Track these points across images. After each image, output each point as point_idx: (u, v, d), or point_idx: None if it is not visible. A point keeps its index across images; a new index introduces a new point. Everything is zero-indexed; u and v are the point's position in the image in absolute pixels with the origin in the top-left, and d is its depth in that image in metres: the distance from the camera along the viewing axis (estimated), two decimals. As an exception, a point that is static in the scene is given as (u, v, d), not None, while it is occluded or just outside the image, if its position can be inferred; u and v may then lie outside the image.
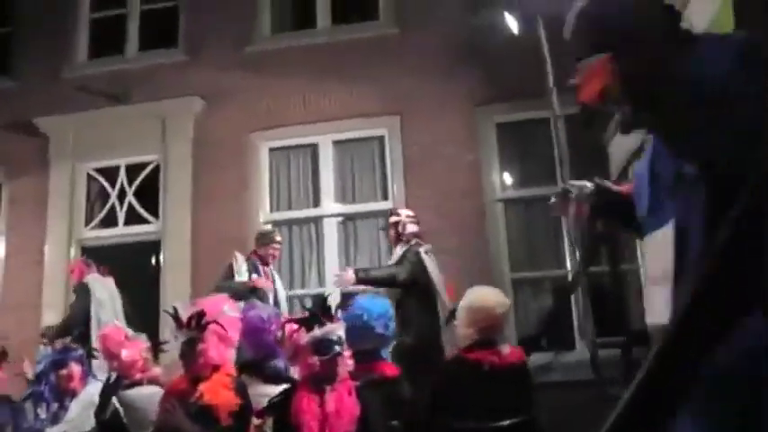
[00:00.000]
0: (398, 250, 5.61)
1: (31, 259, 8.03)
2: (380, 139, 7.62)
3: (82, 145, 8.33)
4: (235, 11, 8.08)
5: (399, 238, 5.63)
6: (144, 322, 6.17)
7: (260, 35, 8.08)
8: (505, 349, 3.86)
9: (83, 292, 6.65)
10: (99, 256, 7.74)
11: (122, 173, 8.30)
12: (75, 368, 5.17)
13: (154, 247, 7.92)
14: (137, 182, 8.24)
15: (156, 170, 8.10)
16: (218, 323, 3.56)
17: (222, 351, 3.65)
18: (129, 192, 8.23)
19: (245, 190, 7.66)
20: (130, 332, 5.02)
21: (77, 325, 6.45)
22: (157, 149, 8.00)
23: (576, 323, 6.92)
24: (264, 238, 6.43)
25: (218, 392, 3.50)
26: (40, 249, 8.21)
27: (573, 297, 6.70)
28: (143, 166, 8.22)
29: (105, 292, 6.71)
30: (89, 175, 8.45)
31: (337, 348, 3.36)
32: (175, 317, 3.73)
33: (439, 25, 7.56)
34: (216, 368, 3.59)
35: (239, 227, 7.46)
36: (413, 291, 5.33)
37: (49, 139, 8.51)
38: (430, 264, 5.46)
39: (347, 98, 7.55)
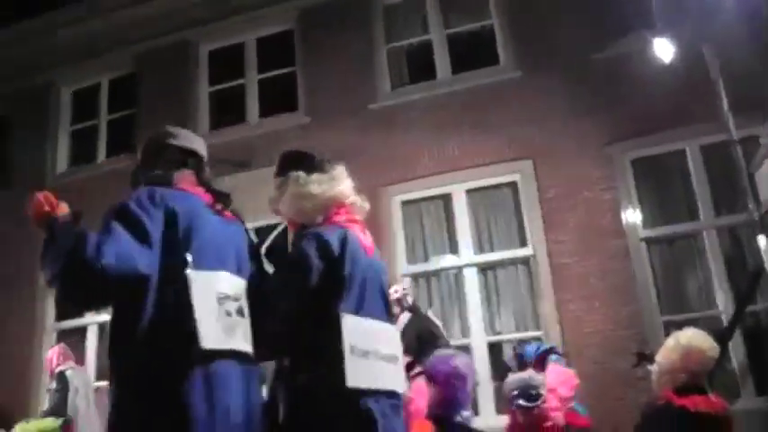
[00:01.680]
0: (403, 318, 6.06)
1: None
2: (513, 185, 7.53)
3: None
4: (353, 70, 8.30)
5: (403, 308, 6.12)
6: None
7: (381, 92, 8.25)
8: (713, 396, 3.63)
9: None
10: None
11: (253, 236, 8.38)
12: None
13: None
14: (266, 243, 8.28)
15: (285, 231, 8.13)
16: (425, 374, 3.44)
17: (424, 403, 3.51)
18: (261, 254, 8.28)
19: (380, 245, 7.58)
20: None
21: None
22: (280, 212, 8.07)
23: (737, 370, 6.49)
24: None
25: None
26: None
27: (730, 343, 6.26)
28: (273, 227, 8.28)
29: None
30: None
31: (539, 396, 3.16)
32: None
33: (562, 64, 7.49)
34: (414, 421, 3.45)
35: (377, 282, 7.41)
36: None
37: (178, 208, 8.68)
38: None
39: (475, 146, 7.57)
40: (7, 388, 8.80)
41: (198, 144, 2.82)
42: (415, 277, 7.68)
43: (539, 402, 3.24)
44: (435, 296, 7.66)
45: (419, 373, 3.45)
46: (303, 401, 2.43)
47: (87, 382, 7.22)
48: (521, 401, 3.26)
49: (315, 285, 2.46)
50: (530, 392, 3.27)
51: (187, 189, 2.53)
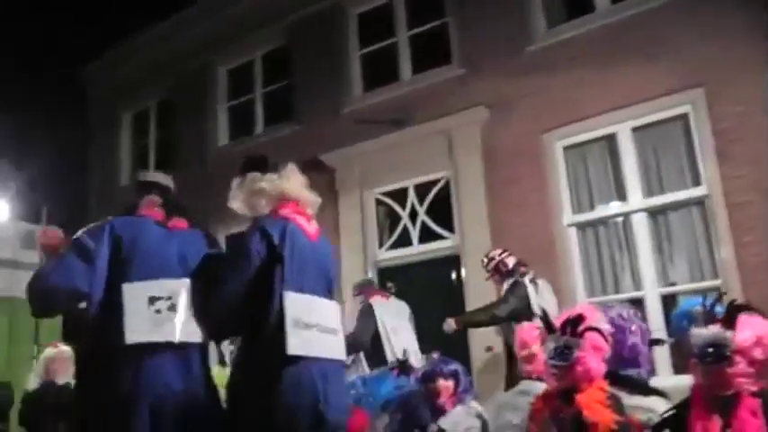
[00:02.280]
0: (505, 285, 5.99)
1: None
2: (683, 118, 7.04)
3: (367, 173, 8.66)
4: (506, 14, 8.09)
5: (503, 274, 6.05)
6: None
7: (537, 32, 7.99)
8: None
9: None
10: (396, 276, 8.02)
11: (411, 193, 8.45)
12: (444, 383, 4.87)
13: (452, 262, 7.91)
14: (427, 200, 8.33)
15: (446, 186, 8.14)
16: (596, 330, 3.24)
17: (598, 361, 3.30)
18: (421, 211, 8.35)
19: (543, 194, 7.47)
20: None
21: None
22: (446, 166, 8.12)
23: None
24: None
25: (595, 408, 3.12)
26: (338, 276, 8.53)
27: None
28: (432, 183, 8.33)
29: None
30: (377, 200, 8.69)
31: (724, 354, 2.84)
32: (546, 321, 3.47)
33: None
34: (590, 381, 3.24)
35: (542, 233, 7.31)
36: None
37: (336, 172, 8.89)
38: (532, 291, 5.79)
39: (640, 79, 7.13)
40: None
41: (158, 177, 3.55)
42: (582, 227, 7.43)
43: (725, 363, 2.91)
44: (603, 246, 7.36)
45: (588, 329, 3.26)
46: (250, 372, 2.89)
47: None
48: (705, 359, 2.95)
49: (257, 269, 2.90)
50: (715, 351, 2.95)
51: (143, 213, 3.26)
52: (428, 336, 6.78)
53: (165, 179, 3.51)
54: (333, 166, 9.03)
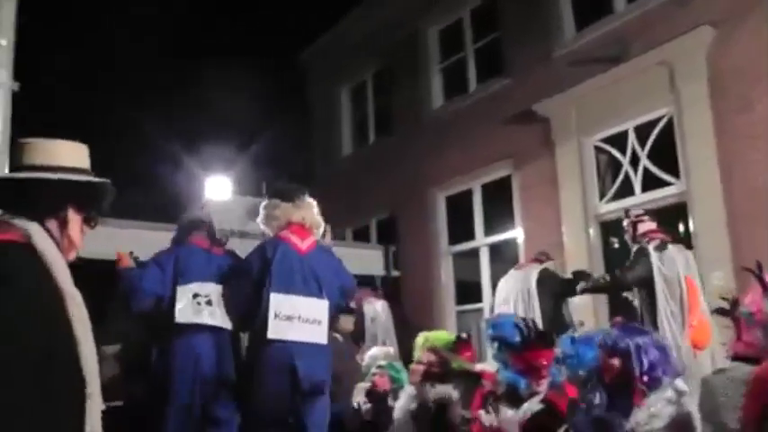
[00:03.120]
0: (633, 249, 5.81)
1: (549, 242, 7.83)
2: None
3: (585, 118, 8.07)
4: None
5: (633, 238, 5.85)
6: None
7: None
8: None
9: None
10: (619, 229, 7.40)
11: (631, 136, 7.69)
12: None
13: (679, 210, 7.08)
14: (649, 142, 7.50)
15: (669, 124, 7.25)
16: None
17: None
18: (643, 155, 7.54)
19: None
20: None
21: None
22: (667, 101, 7.27)
23: None
24: None
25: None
26: (558, 231, 8.04)
27: None
28: (653, 123, 7.49)
29: None
30: (596, 147, 8.03)
31: None
32: (759, 277, 2.88)
33: None
34: None
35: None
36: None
37: (550, 121, 8.38)
38: (657, 261, 5.45)
39: None
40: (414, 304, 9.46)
41: (202, 215, 5.47)
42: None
43: None
44: None
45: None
46: (247, 351, 4.56)
47: None
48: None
49: (254, 278, 4.34)
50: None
51: (192, 242, 4.83)
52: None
53: (207, 216, 5.34)
54: (547, 116, 8.54)
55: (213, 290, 4.56)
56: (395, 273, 10.61)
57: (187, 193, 9.61)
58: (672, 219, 7.23)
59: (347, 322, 6.65)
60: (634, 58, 7.56)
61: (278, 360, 4.13)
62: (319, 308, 4.29)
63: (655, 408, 3.38)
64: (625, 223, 5.97)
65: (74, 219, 2.05)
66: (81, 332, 1.88)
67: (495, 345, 4.61)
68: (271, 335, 4.13)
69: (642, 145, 7.66)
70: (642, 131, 7.69)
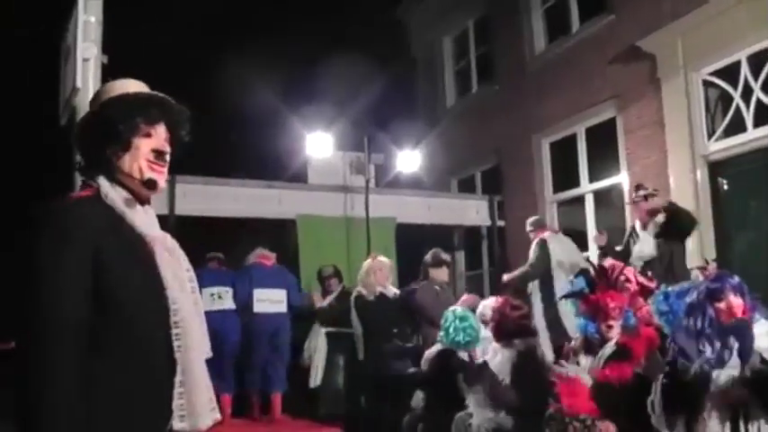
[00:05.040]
0: None
1: (656, 185, 7.49)
2: None
3: (692, 52, 7.65)
4: None
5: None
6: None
7: None
8: None
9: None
10: (729, 170, 7.05)
11: (744, 67, 7.20)
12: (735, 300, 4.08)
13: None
14: (763, 73, 6.99)
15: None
16: None
17: None
18: (756, 87, 7.02)
19: None
20: None
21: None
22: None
23: None
24: None
25: None
26: (664, 173, 7.69)
27: None
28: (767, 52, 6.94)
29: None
30: (705, 82, 7.56)
31: None
32: None
33: None
34: None
35: None
36: None
37: (656, 57, 7.97)
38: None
39: None
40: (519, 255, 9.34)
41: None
42: None
43: None
44: None
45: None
46: None
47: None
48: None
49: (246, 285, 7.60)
50: None
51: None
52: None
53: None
54: (652, 52, 8.12)
55: (223, 291, 7.57)
56: (500, 223, 10.51)
57: (289, 150, 9.88)
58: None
59: (441, 274, 6.68)
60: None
61: (259, 323, 7.46)
62: (281, 295, 7.59)
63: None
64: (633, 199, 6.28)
65: (143, 143, 1.99)
66: (170, 275, 1.94)
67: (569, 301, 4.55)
68: (255, 310, 7.43)
69: (756, 76, 7.12)
70: (756, 61, 7.15)
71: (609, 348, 4.04)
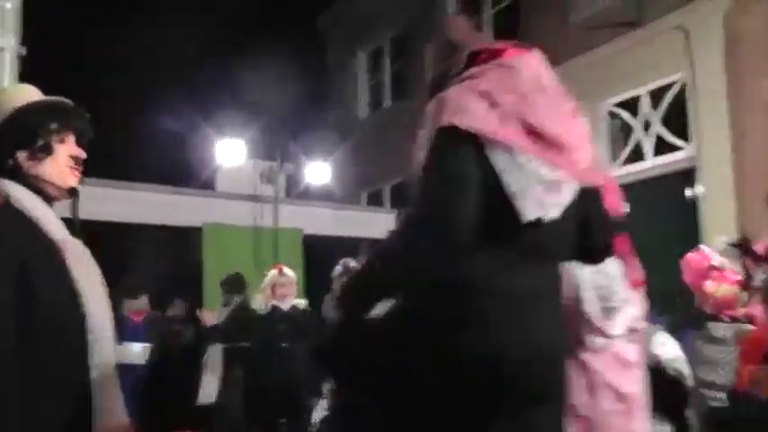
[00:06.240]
0: None
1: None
2: None
3: (597, 83, 7.90)
4: None
5: None
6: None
7: None
8: None
9: None
10: (627, 195, 7.36)
11: (645, 101, 7.55)
12: None
13: (687, 175, 6.96)
14: (662, 107, 7.39)
15: (683, 90, 7.13)
16: None
17: None
18: (655, 120, 7.43)
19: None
20: (718, 260, 4.07)
21: None
22: (682, 66, 7.12)
23: None
24: None
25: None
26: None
27: None
28: (667, 88, 7.36)
29: None
30: (610, 113, 7.91)
31: None
32: (746, 249, 2.87)
33: None
34: None
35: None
36: None
37: (564, 85, 8.23)
38: None
39: None
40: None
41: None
42: None
43: None
44: None
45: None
46: None
47: None
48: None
49: None
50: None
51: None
52: (657, 258, 6.07)
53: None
54: (560, 80, 8.35)
55: None
56: (408, 238, 10.58)
57: (200, 157, 9.67)
58: (679, 184, 7.18)
59: None
60: (650, 23, 7.43)
61: None
62: None
63: None
64: None
65: (61, 149, 1.96)
66: (85, 285, 1.87)
67: None
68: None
69: (655, 110, 7.54)
70: (655, 96, 7.58)
71: None
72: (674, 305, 4.52)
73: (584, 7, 8.45)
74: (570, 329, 2.09)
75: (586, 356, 2.12)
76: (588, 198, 1.82)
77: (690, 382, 3.52)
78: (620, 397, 2.18)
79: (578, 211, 1.78)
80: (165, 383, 5.76)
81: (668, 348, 3.62)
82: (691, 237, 6.34)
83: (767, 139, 6.32)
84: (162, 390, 5.67)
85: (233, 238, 8.98)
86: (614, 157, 7.97)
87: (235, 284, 7.48)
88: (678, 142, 7.30)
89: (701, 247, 4.30)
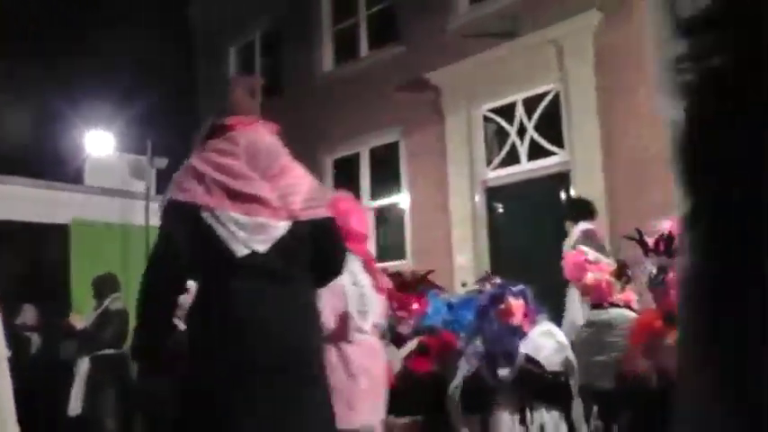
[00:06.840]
0: None
1: (435, 205, 8.11)
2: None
3: (474, 90, 8.28)
4: None
5: None
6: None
7: None
8: None
9: None
10: (504, 196, 7.83)
11: (519, 108, 7.99)
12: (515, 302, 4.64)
13: (562, 179, 7.44)
14: (536, 115, 7.84)
15: (556, 99, 7.60)
16: None
17: None
18: (530, 126, 7.86)
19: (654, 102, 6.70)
20: (592, 254, 4.61)
21: None
22: (555, 77, 7.61)
23: None
24: None
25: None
26: (445, 195, 8.31)
27: None
28: (541, 97, 7.82)
29: None
30: (485, 117, 8.28)
31: None
32: (641, 241, 3.19)
33: None
34: None
35: (655, 146, 6.56)
36: None
37: (441, 90, 8.57)
38: None
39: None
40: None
41: None
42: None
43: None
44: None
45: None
46: None
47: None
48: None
49: None
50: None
51: None
52: (537, 256, 6.48)
53: None
54: (438, 85, 8.72)
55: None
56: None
57: (66, 148, 9.12)
58: (555, 187, 7.66)
59: None
60: (525, 35, 7.88)
61: None
62: None
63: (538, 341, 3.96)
64: None
65: None
66: None
67: None
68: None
69: (529, 116, 8.00)
70: (530, 104, 8.03)
71: (413, 344, 4.52)
72: (552, 297, 4.91)
73: (461, 15, 8.79)
74: (338, 327, 3.21)
75: (347, 348, 3.21)
76: (317, 227, 2.52)
77: (575, 367, 3.89)
78: (372, 377, 3.27)
79: (299, 239, 2.46)
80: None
81: (555, 335, 3.97)
82: (565, 236, 6.77)
83: (634, 150, 6.87)
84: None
85: (102, 235, 8.54)
86: (490, 160, 8.40)
87: (107, 285, 7.08)
88: (552, 148, 7.81)
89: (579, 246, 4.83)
